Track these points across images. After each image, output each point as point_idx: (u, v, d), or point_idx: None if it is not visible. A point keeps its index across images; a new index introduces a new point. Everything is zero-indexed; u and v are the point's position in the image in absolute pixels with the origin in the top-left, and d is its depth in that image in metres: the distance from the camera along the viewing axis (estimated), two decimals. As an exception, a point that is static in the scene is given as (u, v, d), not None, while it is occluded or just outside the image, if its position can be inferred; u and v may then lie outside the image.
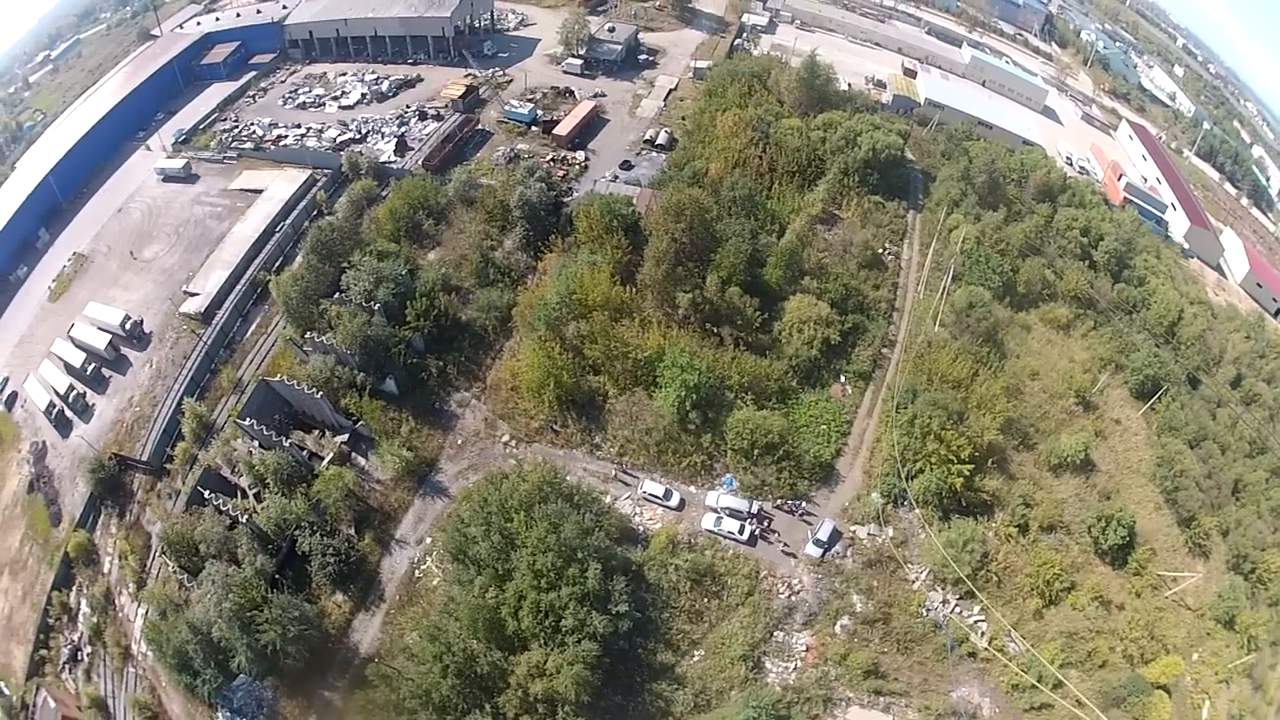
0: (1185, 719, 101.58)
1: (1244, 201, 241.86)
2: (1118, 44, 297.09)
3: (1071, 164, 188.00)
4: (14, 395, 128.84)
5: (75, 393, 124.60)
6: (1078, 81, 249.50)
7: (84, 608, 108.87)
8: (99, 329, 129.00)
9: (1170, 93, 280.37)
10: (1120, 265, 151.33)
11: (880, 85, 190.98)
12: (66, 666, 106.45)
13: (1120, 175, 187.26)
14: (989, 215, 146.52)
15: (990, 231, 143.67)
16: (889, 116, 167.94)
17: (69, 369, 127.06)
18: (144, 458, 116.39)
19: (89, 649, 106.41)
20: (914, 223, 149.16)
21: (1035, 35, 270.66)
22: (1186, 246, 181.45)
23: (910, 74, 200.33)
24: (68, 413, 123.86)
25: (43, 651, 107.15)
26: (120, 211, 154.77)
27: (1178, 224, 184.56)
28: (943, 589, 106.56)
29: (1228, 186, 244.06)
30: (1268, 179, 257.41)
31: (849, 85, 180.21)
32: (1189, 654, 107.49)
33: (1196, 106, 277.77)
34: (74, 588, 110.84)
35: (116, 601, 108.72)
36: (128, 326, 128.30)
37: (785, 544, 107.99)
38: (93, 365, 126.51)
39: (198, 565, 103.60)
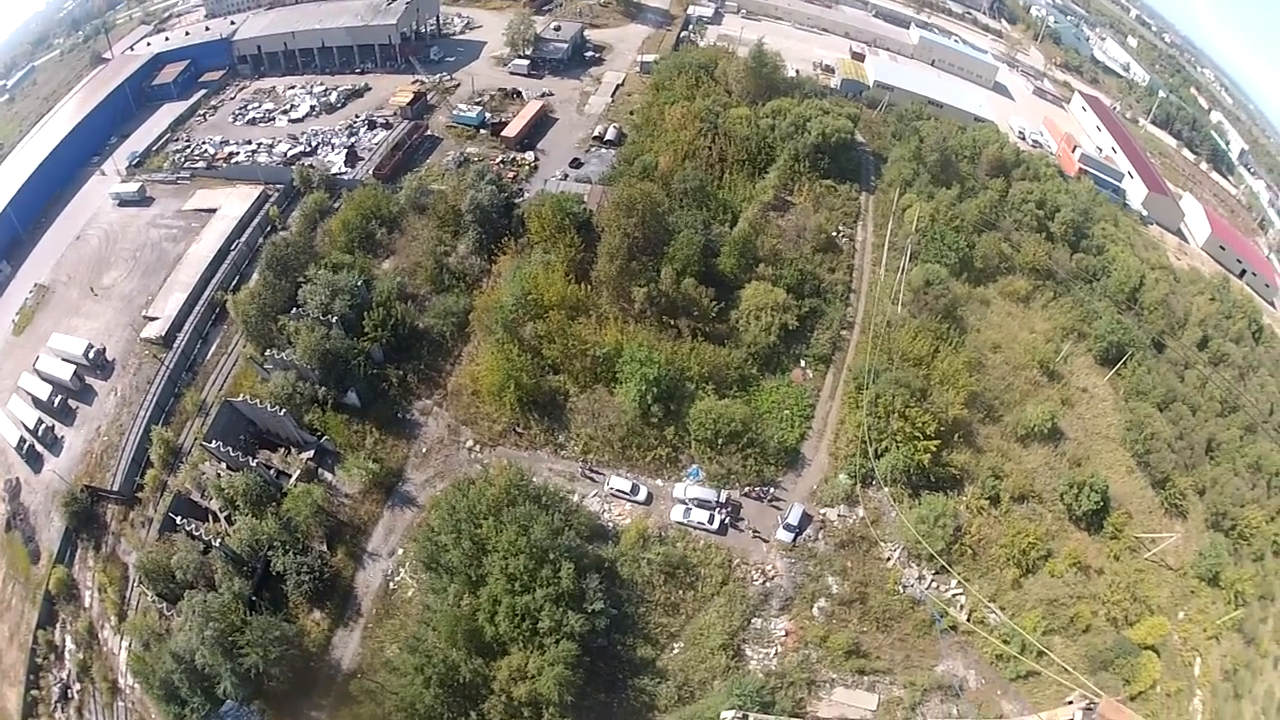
0: (1176, 677, 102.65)
1: (1203, 166, 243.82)
2: (1069, 18, 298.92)
3: (1025, 138, 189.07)
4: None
5: (44, 426, 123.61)
6: (1029, 57, 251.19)
7: (69, 644, 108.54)
8: (63, 360, 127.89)
9: (1124, 63, 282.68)
10: (1078, 235, 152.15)
11: (828, 70, 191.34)
12: (58, 705, 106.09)
13: (1075, 147, 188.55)
14: (942, 193, 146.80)
15: (944, 209, 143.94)
16: (838, 101, 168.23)
17: (36, 402, 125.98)
18: (115, 487, 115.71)
19: (78, 686, 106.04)
20: (867, 204, 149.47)
21: (984, 13, 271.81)
22: (1145, 213, 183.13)
23: (858, 58, 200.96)
24: (38, 447, 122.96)
25: (34, 692, 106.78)
26: (78, 239, 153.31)
27: (1135, 191, 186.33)
28: (918, 565, 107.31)
29: (1186, 152, 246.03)
30: (1227, 143, 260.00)
31: (797, 72, 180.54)
32: (1174, 613, 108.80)
33: (1151, 76, 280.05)
34: (58, 625, 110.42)
35: (100, 635, 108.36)
36: (91, 355, 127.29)
37: (756, 530, 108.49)
38: (59, 397, 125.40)
39: (176, 593, 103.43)
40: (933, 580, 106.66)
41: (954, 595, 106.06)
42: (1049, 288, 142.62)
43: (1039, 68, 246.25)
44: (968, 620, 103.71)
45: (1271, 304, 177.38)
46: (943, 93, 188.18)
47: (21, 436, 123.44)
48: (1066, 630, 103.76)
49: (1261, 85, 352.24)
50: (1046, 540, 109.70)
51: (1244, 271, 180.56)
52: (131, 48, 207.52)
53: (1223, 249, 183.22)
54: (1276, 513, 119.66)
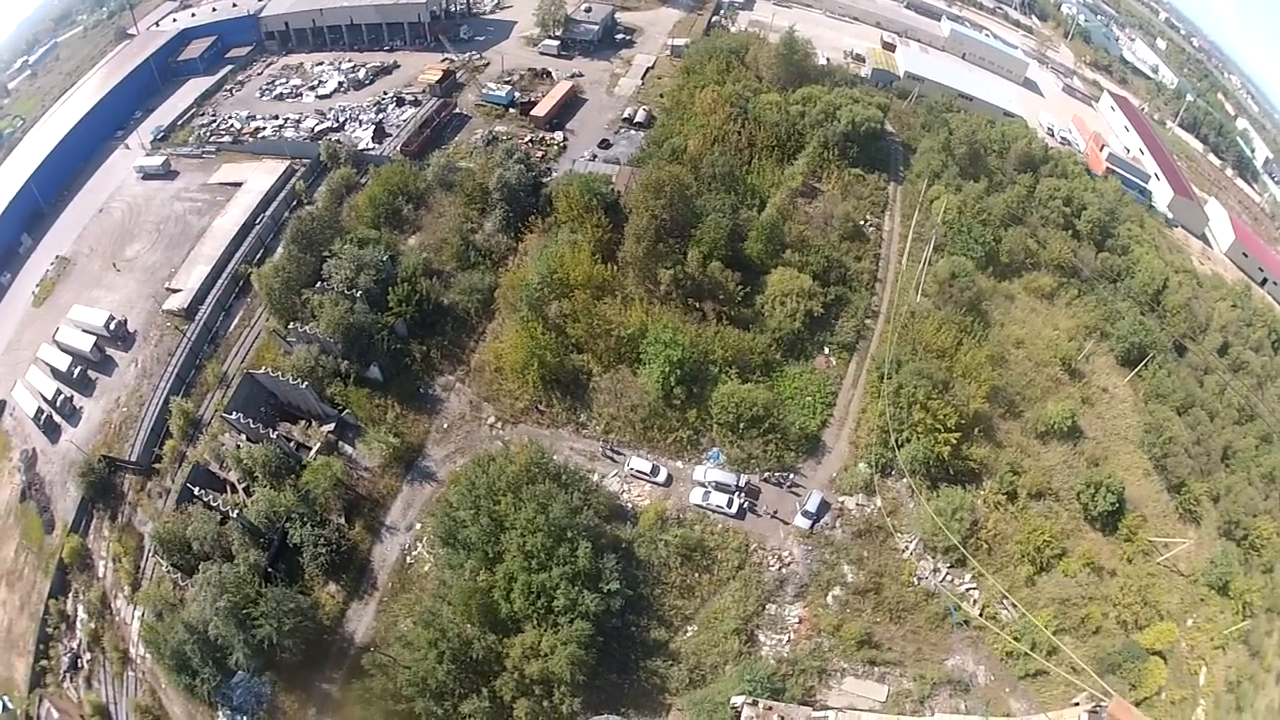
0: (1182, 685, 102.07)
1: (1228, 172, 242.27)
2: (1099, 17, 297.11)
3: (1053, 135, 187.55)
4: (2, 404, 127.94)
5: (62, 397, 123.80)
6: (1059, 54, 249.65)
7: (81, 614, 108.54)
8: (83, 331, 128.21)
9: (1153, 65, 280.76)
10: (1103, 234, 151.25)
11: (859, 59, 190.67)
12: (67, 675, 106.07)
13: (1102, 146, 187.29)
14: (970, 186, 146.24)
15: (972, 202, 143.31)
16: (868, 90, 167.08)
17: (55, 373, 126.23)
18: (133, 458, 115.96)
19: (88, 656, 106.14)
20: (895, 194, 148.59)
21: (1015, 8, 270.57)
22: (1170, 216, 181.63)
23: (889, 48, 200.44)
24: (56, 417, 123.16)
25: (43, 662, 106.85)
26: (101, 212, 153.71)
27: (1161, 194, 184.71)
28: (933, 558, 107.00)
29: (1211, 157, 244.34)
30: (1253, 150, 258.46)
31: (827, 60, 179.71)
32: (1183, 620, 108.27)
33: (1179, 79, 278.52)
34: (70, 594, 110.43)
35: (113, 605, 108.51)
36: (112, 327, 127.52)
37: (775, 511, 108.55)
38: (79, 368, 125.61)
39: (191, 563, 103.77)
40: (947, 574, 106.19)
41: (968, 589, 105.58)
42: (1073, 285, 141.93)
43: (1069, 65, 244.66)
44: (980, 615, 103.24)
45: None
46: (973, 86, 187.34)
47: (39, 407, 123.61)
48: (1077, 631, 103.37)
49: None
50: (1061, 539, 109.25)
51: (1265, 280, 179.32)
52: (157, 24, 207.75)
53: (1245, 256, 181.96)
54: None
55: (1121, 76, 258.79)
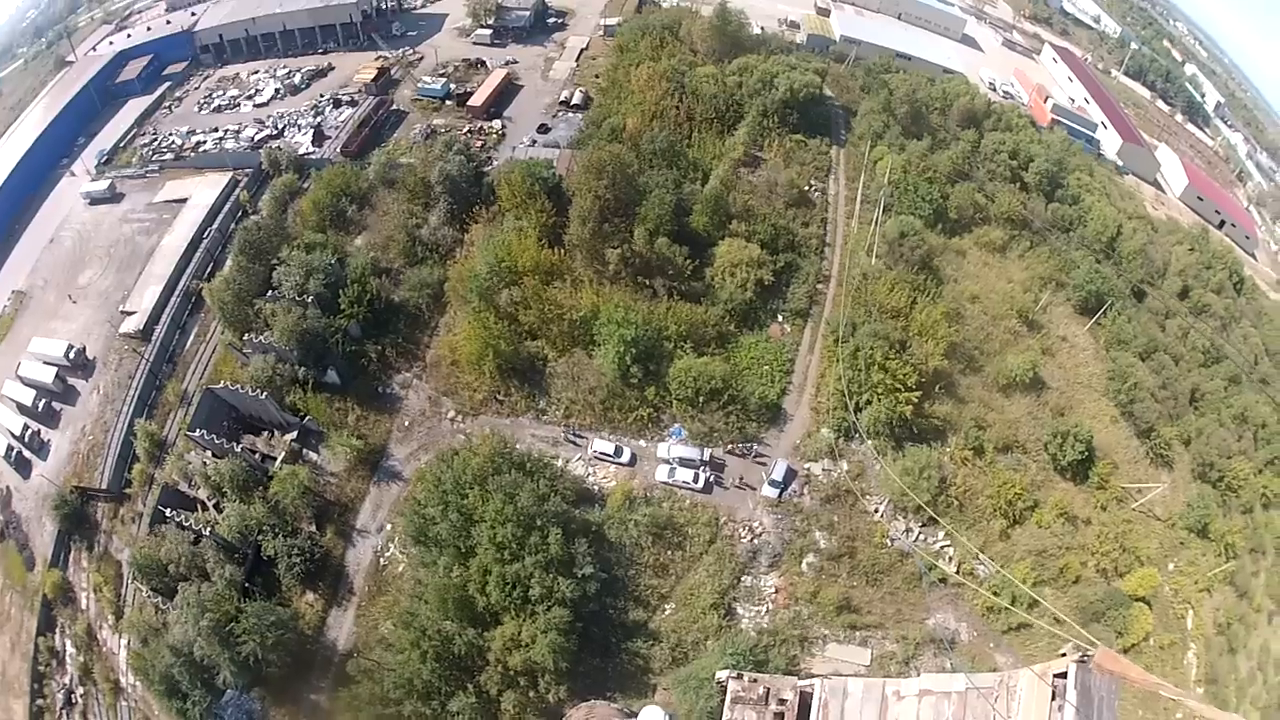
0: (1169, 629, 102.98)
1: (1178, 118, 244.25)
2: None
3: (995, 89, 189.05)
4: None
5: (30, 431, 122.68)
6: (996, 9, 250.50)
7: (69, 648, 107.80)
8: (45, 363, 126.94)
9: (1094, 15, 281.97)
10: (1053, 185, 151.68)
11: (794, 26, 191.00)
12: (63, 712, 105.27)
13: (1046, 97, 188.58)
14: (914, 145, 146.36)
15: (916, 160, 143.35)
16: (805, 56, 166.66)
17: (21, 409, 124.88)
18: (103, 485, 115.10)
19: (81, 690, 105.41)
20: (838, 158, 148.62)
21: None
22: (1120, 163, 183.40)
23: (824, 13, 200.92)
24: (25, 453, 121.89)
25: (39, 701, 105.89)
26: (52, 242, 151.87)
27: (1110, 142, 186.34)
28: (905, 518, 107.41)
29: (1160, 104, 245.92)
30: (1203, 95, 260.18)
31: (762, 29, 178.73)
32: (1164, 565, 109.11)
33: (1123, 28, 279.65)
34: (57, 630, 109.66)
35: (99, 636, 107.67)
36: (71, 356, 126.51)
37: (743, 478, 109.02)
38: (43, 401, 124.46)
39: (170, 586, 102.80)
40: (920, 533, 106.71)
41: (942, 547, 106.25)
42: (1025, 237, 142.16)
43: (1007, 20, 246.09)
44: (956, 572, 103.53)
45: (1252, 255, 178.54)
46: (910, 45, 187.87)
47: (9, 444, 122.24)
48: (1056, 581, 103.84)
49: (1235, 39, 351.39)
50: (1032, 491, 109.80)
51: (1223, 222, 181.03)
52: (95, 48, 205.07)
53: (1200, 200, 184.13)
54: (1264, 465, 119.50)
55: (1062, 28, 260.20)
